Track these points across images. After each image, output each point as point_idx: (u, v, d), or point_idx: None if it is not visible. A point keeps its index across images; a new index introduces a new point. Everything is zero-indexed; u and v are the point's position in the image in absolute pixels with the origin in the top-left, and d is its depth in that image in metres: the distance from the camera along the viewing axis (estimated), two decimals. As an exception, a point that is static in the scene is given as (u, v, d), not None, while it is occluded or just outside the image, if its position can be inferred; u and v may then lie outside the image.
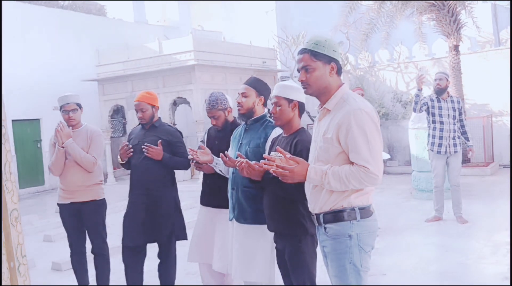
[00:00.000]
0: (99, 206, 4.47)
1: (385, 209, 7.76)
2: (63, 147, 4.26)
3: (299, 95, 3.02)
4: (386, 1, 12.00)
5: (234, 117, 4.01)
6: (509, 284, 3.65)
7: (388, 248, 5.69)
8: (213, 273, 3.98)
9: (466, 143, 6.72)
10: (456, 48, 11.43)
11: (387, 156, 6.72)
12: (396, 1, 11.67)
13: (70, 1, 21.97)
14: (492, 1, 15.45)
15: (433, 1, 11.08)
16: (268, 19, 18.19)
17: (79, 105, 4.46)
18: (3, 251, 1.36)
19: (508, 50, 11.94)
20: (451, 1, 10.78)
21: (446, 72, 8.64)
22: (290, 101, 3.01)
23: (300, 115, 3.11)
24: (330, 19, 13.78)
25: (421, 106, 6.56)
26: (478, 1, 11.64)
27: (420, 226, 6.64)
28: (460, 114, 6.61)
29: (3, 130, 1.51)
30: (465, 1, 11.29)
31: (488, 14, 15.70)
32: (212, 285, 4.10)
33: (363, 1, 12.58)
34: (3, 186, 1.39)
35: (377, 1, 12.09)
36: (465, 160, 11.23)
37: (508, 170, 10.72)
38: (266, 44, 16.43)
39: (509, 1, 10.40)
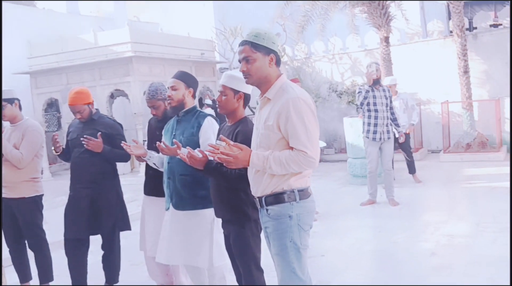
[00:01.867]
0: (29, 204, 4.36)
1: (323, 195, 8.08)
2: None
3: (246, 87, 3.12)
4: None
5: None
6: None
7: (326, 231, 5.97)
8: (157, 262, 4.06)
9: (397, 129, 7.11)
10: (386, 39, 11.95)
11: (323, 144, 7.01)
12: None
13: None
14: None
15: (365, -5, 11.52)
16: (205, 10, 18.15)
17: (9, 101, 4.36)
18: None
19: (435, 42, 12.63)
20: (381, -5, 11.25)
21: (378, 62, 9.05)
22: (236, 92, 3.13)
23: (244, 106, 3.23)
24: (267, 11, 13.98)
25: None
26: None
27: (356, 209, 6.99)
28: (390, 102, 6.99)
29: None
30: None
31: (416, 7, 16.45)
32: (156, 274, 4.19)
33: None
34: None
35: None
36: (396, 146, 11.81)
37: (436, 155, 11.39)
38: (204, 36, 16.41)
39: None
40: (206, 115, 3.55)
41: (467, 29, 11.72)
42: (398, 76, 12.41)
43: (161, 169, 3.70)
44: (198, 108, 3.68)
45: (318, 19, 12.71)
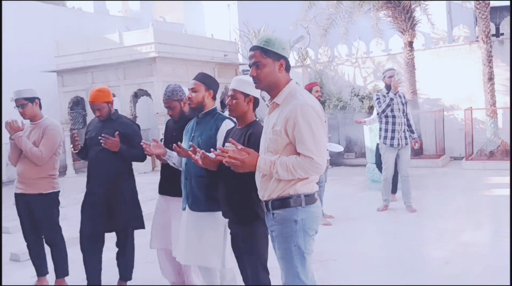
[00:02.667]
0: (47, 200, 4.50)
1: (340, 199, 8.07)
2: (12, 140, 4.39)
3: (256, 90, 3.15)
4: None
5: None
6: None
7: (340, 236, 5.96)
8: (170, 259, 4.13)
9: (411, 135, 7.07)
10: (410, 44, 11.85)
11: (340, 148, 7.01)
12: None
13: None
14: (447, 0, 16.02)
15: (389, -1, 11.46)
16: (230, 12, 18.28)
17: (30, 99, 4.48)
18: None
19: (460, 47, 12.45)
20: (405, -1, 11.17)
21: (394, 67, 9.02)
22: (246, 95, 3.17)
23: (254, 109, 3.27)
24: (291, 14, 14.00)
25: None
26: (432, -1, 12.10)
27: (372, 215, 6.95)
28: (406, 108, 6.96)
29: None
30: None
31: (443, 11, 16.27)
32: (169, 272, 4.26)
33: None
34: None
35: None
36: (418, 152, 11.71)
37: (458, 162, 11.23)
38: (227, 37, 16.53)
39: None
40: (224, 117, 3.59)
41: (493, 35, 11.53)
42: (422, 81, 12.33)
43: (180, 169, 3.75)
44: (218, 110, 3.72)
45: (342, 22, 12.70)
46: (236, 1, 18.19)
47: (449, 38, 13.72)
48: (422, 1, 11.86)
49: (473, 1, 11.44)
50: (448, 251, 5.16)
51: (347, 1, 12.32)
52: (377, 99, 6.84)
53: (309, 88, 6.43)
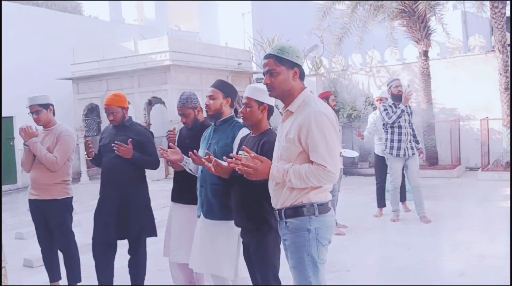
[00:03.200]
0: (61, 206, 4.52)
1: (353, 208, 8.01)
2: (26, 146, 4.42)
3: (270, 98, 3.14)
4: (359, 7, 12.29)
5: (204, 117, 4.16)
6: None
7: (353, 246, 5.90)
8: (181, 268, 4.11)
9: (416, 146, 7.02)
10: (425, 53, 11.79)
11: (355, 153, 6.97)
12: (369, 7, 11.97)
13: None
14: (462, 9, 15.92)
15: (404, 8, 11.41)
16: (244, 21, 18.35)
17: (45, 106, 4.52)
18: None
19: (476, 57, 12.35)
20: (421, 8, 11.11)
21: (398, 77, 9.04)
22: (260, 103, 3.16)
23: (268, 117, 3.26)
24: (305, 23, 14.02)
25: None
26: (448, 6, 12.00)
27: (386, 225, 6.88)
28: (412, 118, 6.93)
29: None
30: (436, 5, 11.64)
31: (458, 21, 16.18)
32: (181, 281, 4.24)
33: (336, 6, 12.83)
34: None
35: (350, 6, 12.37)
36: (433, 162, 11.61)
37: (474, 172, 11.09)
38: (241, 46, 16.59)
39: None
40: (241, 125, 3.55)
41: (509, 45, 11.43)
42: (437, 91, 12.24)
43: (197, 175, 3.74)
44: (235, 118, 3.71)
45: (356, 31, 12.67)
46: (251, 10, 18.27)
47: (465, 47, 13.61)
48: (438, 9, 11.79)
49: (488, 11, 11.35)
50: (463, 263, 5.08)
51: (362, 11, 12.30)
52: (385, 110, 6.80)
53: (324, 97, 6.40)
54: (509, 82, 10.71)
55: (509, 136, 10.70)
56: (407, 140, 6.80)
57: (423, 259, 5.28)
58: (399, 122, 6.75)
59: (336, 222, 6.47)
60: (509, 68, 10.75)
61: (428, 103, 11.77)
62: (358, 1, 12.17)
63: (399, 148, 6.79)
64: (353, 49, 13.39)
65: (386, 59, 13.86)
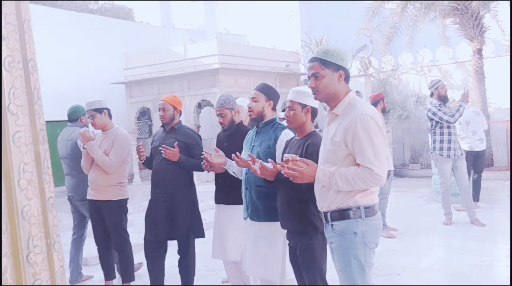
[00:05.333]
0: (115, 207, 4.67)
1: (404, 211, 7.85)
2: (84, 149, 4.63)
3: (313, 101, 3.16)
4: (409, 5, 12.04)
5: (241, 120, 4.27)
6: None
7: (404, 250, 5.78)
8: (239, 268, 4.17)
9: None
10: (479, 51, 11.41)
11: (391, 167, 6.86)
12: (419, 5, 11.71)
13: (100, 5, 22.51)
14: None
15: (456, 5, 11.09)
16: (292, 22, 18.35)
17: (99, 110, 4.69)
18: (41, 229, 1.61)
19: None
20: (474, 5, 10.77)
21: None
22: (303, 106, 3.18)
23: (312, 120, 3.27)
24: (354, 23, 13.87)
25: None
26: (503, 2, 11.55)
27: (438, 228, 6.71)
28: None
29: (42, 132, 1.75)
30: (490, 1, 11.24)
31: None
32: (235, 279, 4.30)
33: (386, 5, 12.62)
34: (42, 178, 1.66)
35: (400, 4, 12.14)
36: (488, 164, 11.20)
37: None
38: (289, 48, 16.60)
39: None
40: (284, 127, 3.60)
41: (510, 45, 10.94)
42: (492, 90, 11.82)
43: (240, 178, 3.80)
44: (278, 121, 3.75)
45: (406, 30, 12.42)
46: (298, 12, 18.25)
47: (522, 44, 13.06)
48: (492, 5, 11.37)
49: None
50: (520, 268, 4.89)
51: (412, 9, 12.05)
52: (439, 110, 6.67)
53: (375, 100, 6.37)
54: None
55: None
56: (456, 140, 6.71)
57: (477, 264, 5.11)
58: (448, 121, 6.62)
59: (386, 225, 6.38)
60: None
61: (482, 103, 11.38)
62: (408, 0, 11.93)
63: (449, 149, 6.66)
64: (403, 49, 13.15)
65: (437, 58, 13.51)
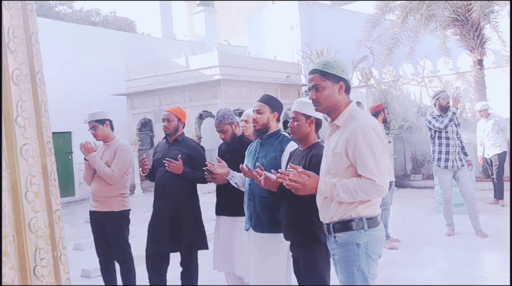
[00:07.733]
0: (117, 218, 4.67)
1: (407, 222, 7.84)
2: (86, 160, 4.65)
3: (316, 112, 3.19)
4: (409, 16, 12.11)
5: (242, 132, 4.28)
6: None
7: (406, 261, 5.77)
8: (241, 280, 4.16)
9: (465, 158, 6.84)
10: (480, 62, 11.46)
11: (392, 178, 6.86)
12: (420, 16, 11.77)
13: (102, 17, 22.66)
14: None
15: (456, 16, 11.15)
16: (293, 34, 18.44)
17: (101, 122, 4.71)
18: (48, 242, 1.62)
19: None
20: (474, 16, 10.83)
21: (445, 89, 9.10)
22: (307, 117, 3.20)
23: (316, 131, 3.28)
24: (354, 34, 13.95)
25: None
26: (503, 13, 11.61)
27: (441, 239, 6.69)
28: (459, 129, 6.78)
29: (49, 145, 1.77)
30: (490, 13, 11.29)
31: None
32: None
33: (386, 17, 12.70)
34: (49, 190, 1.68)
35: (401, 16, 12.21)
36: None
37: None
38: (290, 59, 16.67)
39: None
40: (289, 139, 3.61)
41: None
42: (493, 100, 11.84)
43: (242, 189, 3.80)
44: (282, 132, 3.77)
45: (407, 41, 12.47)
46: (299, 23, 18.34)
47: (523, 55, 13.11)
48: (491, 18, 11.44)
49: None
50: (523, 279, 4.87)
51: (412, 21, 12.12)
52: (433, 118, 6.70)
53: (376, 111, 6.39)
54: None
55: None
56: (455, 151, 6.67)
57: (481, 276, 5.10)
58: (446, 132, 6.64)
59: (389, 236, 6.36)
60: None
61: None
62: (408, 11, 11.99)
63: (446, 160, 6.67)
64: (403, 59, 13.19)
65: (438, 69, 13.55)
